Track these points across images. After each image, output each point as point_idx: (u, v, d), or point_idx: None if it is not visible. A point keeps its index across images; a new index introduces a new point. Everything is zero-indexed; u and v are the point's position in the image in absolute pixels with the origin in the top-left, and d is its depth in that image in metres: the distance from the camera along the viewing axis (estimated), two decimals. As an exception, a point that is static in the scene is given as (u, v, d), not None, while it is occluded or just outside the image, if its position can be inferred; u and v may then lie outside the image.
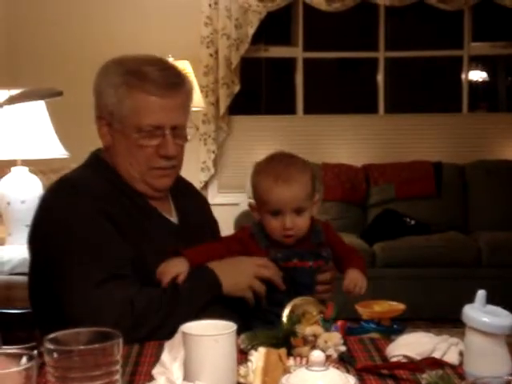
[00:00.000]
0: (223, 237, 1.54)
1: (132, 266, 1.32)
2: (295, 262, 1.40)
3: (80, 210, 1.33)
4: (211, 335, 0.94)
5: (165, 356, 0.92)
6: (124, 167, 1.40)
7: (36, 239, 1.39)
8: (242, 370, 0.99)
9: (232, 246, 1.43)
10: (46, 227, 1.37)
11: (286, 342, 1.12)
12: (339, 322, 1.18)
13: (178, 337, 0.94)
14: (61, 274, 1.30)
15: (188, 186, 1.63)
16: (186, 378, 0.92)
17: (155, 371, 0.93)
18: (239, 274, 1.38)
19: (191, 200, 1.56)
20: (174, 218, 1.47)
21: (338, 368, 0.94)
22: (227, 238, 1.50)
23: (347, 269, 1.45)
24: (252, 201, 1.47)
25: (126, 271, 1.30)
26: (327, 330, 1.15)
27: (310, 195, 1.43)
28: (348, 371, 1.03)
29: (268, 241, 1.42)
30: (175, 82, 1.38)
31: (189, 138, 1.45)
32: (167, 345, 0.94)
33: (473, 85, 4.99)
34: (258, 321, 1.38)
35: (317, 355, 0.86)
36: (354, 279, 1.43)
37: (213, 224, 1.60)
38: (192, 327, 0.97)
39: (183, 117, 1.41)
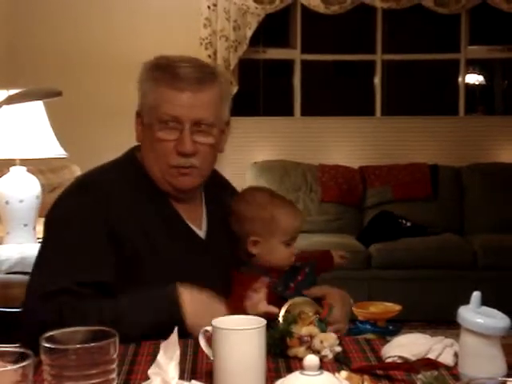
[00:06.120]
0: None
1: (131, 283, 1.28)
2: (292, 286, 1.40)
3: (83, 212, 1.31)
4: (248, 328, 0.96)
5: (160, 357, 0.92)
6: (150, 165, 1.38)
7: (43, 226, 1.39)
8: None
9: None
10: (46, 222, 1.37)
11: (282, 342, 1.13)
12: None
13: (173, 337, 0.94)
14: (32, 271, 1.31)
15: (222, 183, 1.57)
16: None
17: (151, 371, 0.93)
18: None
19: (224, 201, 1.48)
20: (201, 231, 1.41)
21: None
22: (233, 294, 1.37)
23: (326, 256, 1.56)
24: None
25: (84, 289, 1.25)
26: (323, 330, 1.16)
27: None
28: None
29: (260, 269, 1.40)
30: (201, 78, 1.35)
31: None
32: (163, 345, 0.94)
33: (469, 88, 5.01)
34: None
35: (310, 359, 0.86)
36: (335, 253, 1.57)
37: None
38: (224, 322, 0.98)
39: (208, 113, 1.34)
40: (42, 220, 2.83)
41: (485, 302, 1.02)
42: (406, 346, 1.11)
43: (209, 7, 4.30)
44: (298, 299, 1.30)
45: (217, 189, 1.50)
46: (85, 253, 1.28)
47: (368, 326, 1.37)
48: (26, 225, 2.49)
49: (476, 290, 1.04)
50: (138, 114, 1.40)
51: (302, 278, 1.43)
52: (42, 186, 2.64)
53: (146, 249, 1.31)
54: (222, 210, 1.46)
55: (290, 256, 1.42)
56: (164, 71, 1.35)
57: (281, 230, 1.41)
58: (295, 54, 4.66)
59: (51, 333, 0.87)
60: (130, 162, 1.41)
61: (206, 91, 1.34)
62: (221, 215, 1.45)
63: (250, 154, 4.43)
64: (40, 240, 2.63)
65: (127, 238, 1.30)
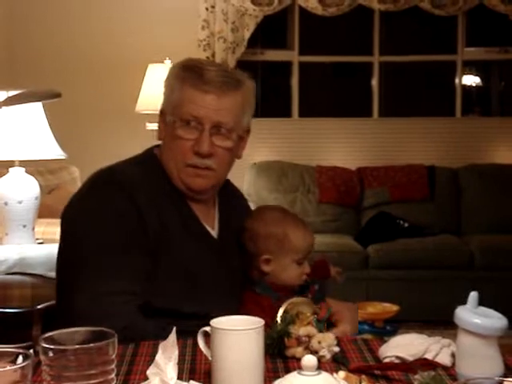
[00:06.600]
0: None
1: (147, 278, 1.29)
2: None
3: (112, 204, 1.31)
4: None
5: (159, 357, 0.93)
6: (167, 162, 1.39)
7: (65, 220, 1.37)
8: None
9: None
10: (75, 213, 1.36)
11: (280, 342, 1.14)
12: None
13: (171, 337, 0.95)
14: (78, 268, 1.29)
15: (235, 193, 1.59)
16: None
17: (149, 371, 0.93)
18: None
19: (235, 210, 1.51)
20: (214, 231, 1.43)
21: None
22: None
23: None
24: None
25: (137, 288, 1.27)
26: (321, 330, 1.16)
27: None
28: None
29: (274, 291, 1.41)
30: (226, 83, 1.37)
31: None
32: (161, 346, 0.94)
33: (466, 89, 5.01)
34: None
35: (308, 360, 0.87)
36: (332, 268, 1.59)
37: None
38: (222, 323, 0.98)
39: (228, 118, 1.37)
40: (41, 221, 2.83)
41: (482, 302, 1.02)
42: (404, 346, 1.11)
43: (207, 9, 4.31)
44: (296, 299, 1.30)
45: (230, 197, 1.52)
46: (127, 247, 1.28)
47: (366, 327, 1.38)
48: (24, 226, 2.50)
49: (473, 290, 1.04)
50: (162, 113, 1.42)
51: (311, 296, 1.44)
52: (41, 187, 2.64)
53: (163, 242, 1.32)
54: (234, 218, 1.48)
55: (302, 275, 1.44)
56: (191, 72, 1.37)
57: (293, 249, 1.43)
58: (293, 56, 4.67)
59: (50, 333, 0.88)
60: (149, 159, 1.43)
61: (229, 96, 1.37)
62: (232, 223, 1.47)
63: (248, 155, 4.41)
64: (39, 240, 2.63)
65: (152, 231, 1.31)
